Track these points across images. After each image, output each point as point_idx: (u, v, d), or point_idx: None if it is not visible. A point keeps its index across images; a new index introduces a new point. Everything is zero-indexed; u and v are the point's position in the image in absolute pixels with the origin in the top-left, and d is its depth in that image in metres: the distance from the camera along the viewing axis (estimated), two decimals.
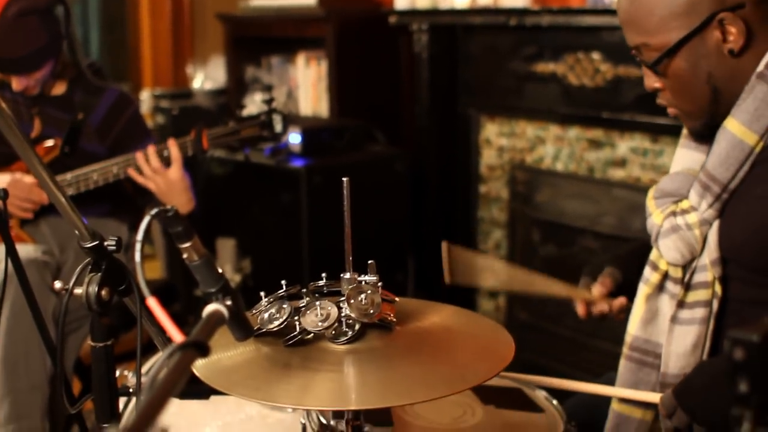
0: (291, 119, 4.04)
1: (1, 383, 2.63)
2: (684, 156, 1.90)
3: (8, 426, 2.66)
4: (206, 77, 4.94)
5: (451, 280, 1.95)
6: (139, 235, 1.08)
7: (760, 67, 1.70)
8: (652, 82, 1.80)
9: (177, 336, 0.99)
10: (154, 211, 1.11)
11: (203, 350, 0.94)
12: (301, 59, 4.40)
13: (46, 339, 2.03)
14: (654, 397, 1.80)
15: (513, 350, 1.39)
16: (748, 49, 1.70)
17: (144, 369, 2.16)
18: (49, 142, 2.88)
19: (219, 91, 4.83)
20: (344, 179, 1.38)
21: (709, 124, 1.78)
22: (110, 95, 3.02)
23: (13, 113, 2.78)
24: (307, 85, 4.38)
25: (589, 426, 1.96)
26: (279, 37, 4.52)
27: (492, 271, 2.02)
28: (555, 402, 1.89)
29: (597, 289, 1.99)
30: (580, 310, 2.02)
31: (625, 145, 3.30)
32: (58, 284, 1.35)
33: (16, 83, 2.85)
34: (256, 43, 4.64)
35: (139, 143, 3.00)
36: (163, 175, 2.84)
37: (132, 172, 2.85)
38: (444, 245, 1.93)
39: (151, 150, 2.85)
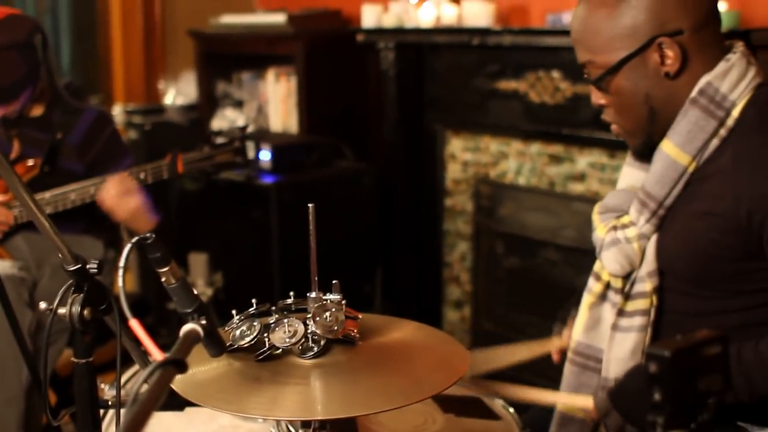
0: (261, 136, 4.13)
1: None
2: (628, 174, 2.02)
3: None
4: (178, 93, 4.99)
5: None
6: (122, 262, 1.17)
7: (694, 93, 1.81)
8: (597, 98, 1.91)
9: (157, 354, 1.08)
10: (135, 239, 1.20)
11: (182, 367, 1.03)
12: (271, 75, 4.45)
13: (26, 353, 2.11)
14: (587, 402, 1.91)
15: (468, 362, 1.48)
16: (683, 73, 1.82)
17: (121, 380, 2.24)
18: (30, 162, 2.94)
19: (190, 107, 4.87)
20: (310, 205, 1.46)
21: (647, 143, 1.89)
22: (89, 115, 3.06)
23: None
24: (277, 100, 4.44)
25: None
26: (249, 54, 4.58)
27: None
28: (511, 410, 1.99)
29: (567, 335, 2.13)
30: (555, 357, 2.17)
31: (584, 160, 3.40)
32: (43, 305, 1.43)
33: None
34: (227, 59, 4.69)
35: (117, 162, 3.06)
36: (126, 201, 2.88)
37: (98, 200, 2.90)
38: None
39: (123, 174, 2.89)
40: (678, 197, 1.84)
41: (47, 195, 2.88)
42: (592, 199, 3.38)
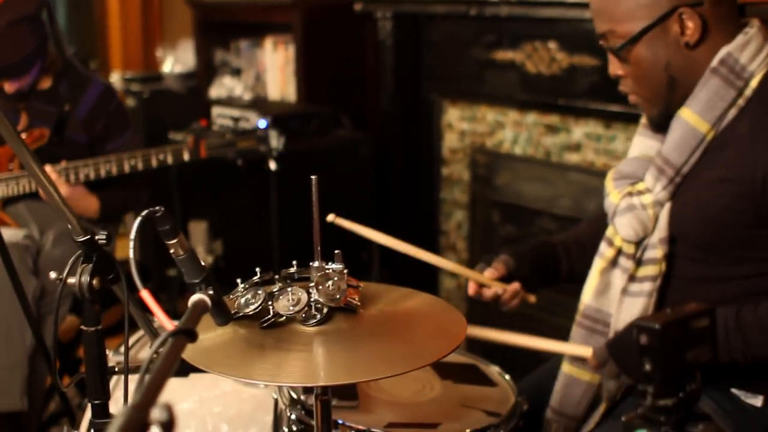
0: (260, 105, 4.16)
1: None
2: (640, 143, 2.06)
3: None
4: (176, 60, 5.00)
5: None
6: (132, 234, 1.21)
7: (714, 63, 1.86)
8: (615, 68, 1.95)
9: (168, 324, 1.13)
10: (144, 212, 1.24)
11: (192, 337, 1.08)
12: (269, 43, 4.47)
13: (31, 320, 2.16)
14: (586, 351, 1.95)
15: (465, 330, 1.52)
16: (703, 43, 1.86)
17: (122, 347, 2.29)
18: (37, 132, 2.98)
19: (188, 75, 4.89)
20: (313, 177, 1.50)
21: (665, 112, 1.93)
22: (96, 88, 3.09)
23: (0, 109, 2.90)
24: (275, 68, 4.46)
25: (538, 399, 2.13)
26: (247, 22, 4.59)
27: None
28: (507, 377, 2.04)
29: (488, 272, 2.13)
30: (471, 290, 2.15)
31: (579, 130, 3.43)
32: (53, 274, 1.46)
33: (9, 86, 2.94)
34: (225, 27, 4.71)
35: (120, 135, 3.10)
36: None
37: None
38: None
39: (48, 168, 2.87)
40: (695, 164, 1.88)
41: (61, 166, 2.91)
42: (587, 170, 3.42)
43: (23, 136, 2.94)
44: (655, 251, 1.94)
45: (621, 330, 1.91)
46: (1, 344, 2.77)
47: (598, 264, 2.06)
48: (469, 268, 2.18)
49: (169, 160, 2.99)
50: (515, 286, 2.14)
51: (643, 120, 2.06)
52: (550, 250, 2.25)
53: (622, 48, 1.89)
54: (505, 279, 2.14)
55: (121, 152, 3.02)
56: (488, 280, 2.12)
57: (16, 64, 2.89)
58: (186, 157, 3.01)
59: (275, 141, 3.12)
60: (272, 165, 3.13)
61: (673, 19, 1.85)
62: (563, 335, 2.14)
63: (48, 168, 2.87)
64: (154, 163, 2.98)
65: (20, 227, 2.96)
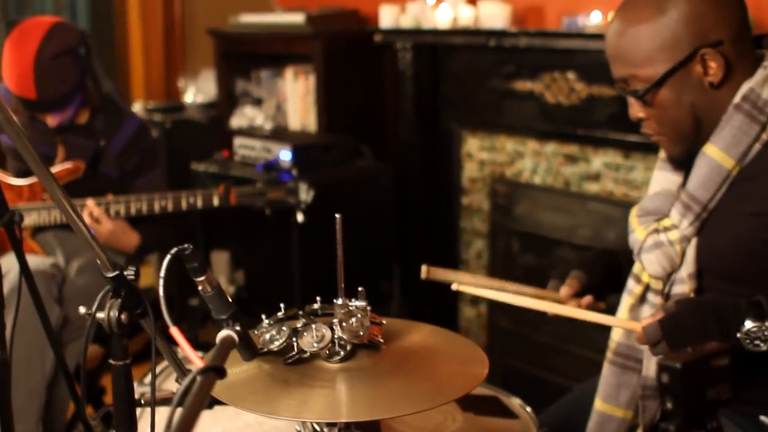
0: (281, 135, 4.19)
1: None
2: (662, 177, 2.06)
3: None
4: (197, 91, 5.05)
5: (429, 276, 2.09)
6: (162, 272, 1.24)
7: (737, 99, 1.87)
8: (636, 111, 1.95)
9: (197, 361, 1.15)
10: (174, 250, 1.26)
11: (221, 373, 1.10)
12: (289, 73, 4.50)
13: (55, 347, 2.19)
14: (635, 326, 1.91)
15: (487, 366, 1.53)
16: (726, 82, 1.87)
17: (147, 378, 2.31)
18: (70, 165, 3.03)
19: (210, 105, 4.93)
20: (337, 216, 1.52)
21: (689, 151, 1.94)
22: (131, 124, 3.15)
23: (39, 142, 2.98)
24: (295, 98, 4.49)
25: (560, 431, 2.13)
26: (268, 53, 4.63)
27: (469, 280, 2.17)
28: (529, 409, 2.04)
29: (564, 291, 2.14)
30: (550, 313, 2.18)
31: (598, 160, 3.45)
32: (82, 309, 1.48)
33: (51, 120, 3.00)
34: (246, 57, 4.74)
35: (150, 171, 3.17)
36: (97, 229, 2.94)
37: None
38: (424, 268, 2.08)
39: (91, 203, 2.95)
40: (721, 199, 1.89)
41: (90, 202, 2.96)
42: (606, 199, 3.43)
43: (59, 168, 3.00)
44: (683, 286, 1.94)
45: (674, 307, 1.86)
46: (21, 370, 2.80)
47: (626, 301, 2.06)
48: (545, 290, 2.18)
49: (199, 204, 3.04)
50: (588, 299, 2.16)
51: (662, 154, 2.07)
52: (613, 258, 2.26)
53: (646, 93, 1.89)
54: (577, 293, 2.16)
55: (148, 188, 3.07)
56: (566, 299, 2.14)
57: (62, 97, 2.94)
58: (216, 202, 3.05)
59: (304, 194, 3.14)
60: (300, 217, 3.17)
61: (695, 60, 1.85)
62: (581, 363, 2.14)
63: (91, 202, 2.94)
64: (184, 205, 3.02)
65: (47, 255, 3.00)
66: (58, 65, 2.88)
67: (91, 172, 3.05)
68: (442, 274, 2.14)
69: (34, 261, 2.91)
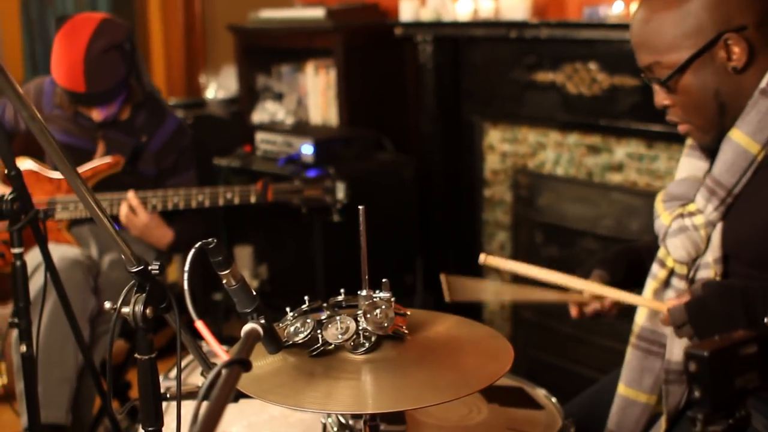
0: (303, 129, 4.20)
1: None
2: (688, 164, 2.06)
3: None
4: (219, 86, 5.06)
5: (452, 298, 2.12)
6: (187, 266, 1.24)
7: (763, 84, 1.86)
8: (661, 99, 1.96)
9: (222, 354, 1.15)
10: (198, 244, 1.27)
11: (246, 366, 1.10)
12: (310, 68, 4.51)
13: (80, 339, 2.21)
14: (660, 306, 1.93)
15: (512, 356, 1.52)
16: (750, 66, 1.87)
17: (172, 372, 2.32)
18: (111, 159, 3.06)
19: (231, 100, 4.94)
20: (360, 207, 1.52)
21: (718, 137, 1.93)
22: (171, 123, 3.19)
23: (80, 137, 3.01)
24: (316, 92, 4.50)
25: (586, 422, 2.13)
26: (289, 48, 4.64)
27: (490, 290, 2.19)
28: (554, 400, 2.04)
29: (587, 295, 2.15)
30: (573, 311, 2.19)
31: (621, 150, 3.44)
32: (107, 304, 1.49)
33: (97, 115, 3.03)
34: (267, 52, 4.75)
35: (185, 172, 3.20)
36: (133, 221, 2.99)
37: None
38: (443, 277, 2.08)
39: (131, 194, 2.99)
40: (746, 184, 1.88)
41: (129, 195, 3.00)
42: (630, 190, 3.42)
43: (98, 162, 3.04)
44: (708, 271, 1.94)
45: (700, 291, 1.87)
46: (56, 358, 2.84)
47: (650, 285, 2.06)
48: (567, 292, 2.19)
49: (236, 200, 3.05)
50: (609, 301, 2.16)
51: (689, 141, 2.06)
52: (636, 255, 2.26)
53: (669, 78, 1.89)
54: None
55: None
56: (588, 299, 2.15)
57: (109, 91, 2.97)
58: (253, 199, 3.06)
59: (341, 193, 3.14)
60: (336, 218, 3.17)
61: (719, 45, 1.85)
62: (606, 354, 2.14)
63: (131, 193, 2.98)
64: (221, 201, 3.04)
65: (81, 248, 3.03)
66: (107, 59, 2.91)
67: (130, 167, 3.08)
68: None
69: (72, 251, 2.97)
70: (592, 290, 2.09)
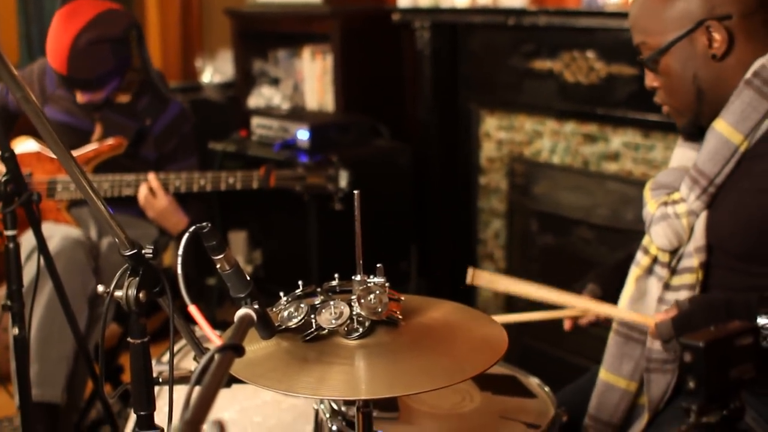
0: (298, 115, 4.18)
1: (33, 349, 2.75)
2: (680, 154, 2.09)
3: (32, 390, 2.82)
4: (215, 70, 5.04)
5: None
6: (180, 250, 1.23)
7: (748, 75, 1.88)
8: (650, 80, 2.01)
9: (215, 339, 1.15)
10: (192, 228, 1.26)
11: (239, 351, 1.10)
12: (307, 53, 4.49)
13: (72, 321, 2.21)
14: (649, 321, 1.95)
15: (506, 343, 1.52)
16: (730, 55, 1.90)
17: (165, 356, 2.32)
18: (114, 140, 3.05)
19: (227, 84, 4.93)
20: (355, 192, 1.52)
21: (694, 122, 1.97)
22: (173, 109, 3.19)
23: (80, 117, 3.01)
24: (312, 78, 4.48)
25: (579, 411, 2.13)
26: (285, 32, 4.62)
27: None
28: (547, 389, 2.04)
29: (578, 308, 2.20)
30: (566, 325, 2.27)
31: (618, 139, 3.43)
32: (100, 288, 1.49)
33: (80, 97, 3.02)
34: (263, 37, 4.74)
35: (185, 158, 3.20)
36: (152, 202, 3.00)
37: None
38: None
39: (152, 176, 3.00)
40: (729, 175, 1.90)
41: (130, 177, 3.00)
42: (625, 179, 3.41)
43: (101, 143, 3.03)
44: (691, 260, 1.96)
45: (687, 305, 1.89)
46: (55, 335, 2.83)
47: (633, 272, 2.08)
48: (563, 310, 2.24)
49: (238, 185, 3.05)
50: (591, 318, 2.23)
51: None
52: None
53: (651, 59, 1.95)
54: None
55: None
56: (584, 314, 2.22)
57: (92, 80, 2.97)
58: (255, 185, 3.05)
59: (344, 181, 3.14)
60: (337, 206, 3.16)
61: (700, 31, 1.90)
62: (601, 343, 2.15)
63: (152, 175, 3.00)
64: (222, 186, 3.03)
65: (80, 228, 3.03)
66: (93, 51, 2.91)
67: (132, 151, 3.07)
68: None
69: (75, 232, 2.97)
70: (579, 306, 2.13)
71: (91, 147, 3.04)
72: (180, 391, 1.42)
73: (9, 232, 2.07)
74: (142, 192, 2.98)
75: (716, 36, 1.89)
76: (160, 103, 3.17)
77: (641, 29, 1.97)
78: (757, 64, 1.88)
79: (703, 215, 1.93)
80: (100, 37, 2.90)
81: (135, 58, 3.07)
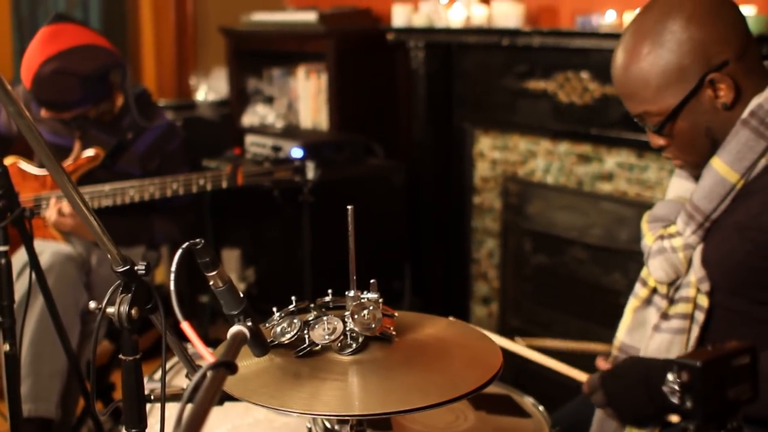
0: (292, 133, 4.18)
1: (26, 364, 2.74)
2: (677, 185, 2.07)
3: (25, 405, 2.79)
4: (209, 89, 5.04)
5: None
6: (173, 267, 1.22)
7: (745, 115, 1.85)
8: (657, 140, 1.95)
9: (208, 356, 1.13)
10: (185, 244, 1.25)
11: (232, 369, 1.09)
12: (301, 72, 4.51)
13: (63, 337, 2.19)
14: (581, 376, 1.97)
15: (501, 360, 1.52)
16: (739, 100, 1.86)
17: (157, 374, 2.30)
18: (91, 152, 3.03)
19: (222, 103, 4.93)
20: (349, 207, 1.51)
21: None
22: (158, 127, 3.16)
23: (63, 135, 2.99)
24: (307, 96, 4.49)
25: (573, 431, 2.12)
26: (280, 51, 4.63)
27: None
28: (541, 408, 2.03)
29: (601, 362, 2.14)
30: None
31: (612, 160, 3.43)
32: (92, 304, 1.47)
33: (44, 113, 3.00)
34: (258, 55, 4.75)
35: (173, 173, 3.17)
36: (63, 222, 2.96)
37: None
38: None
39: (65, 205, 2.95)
40: (724, 211, 1.89)
41: (107, 188, 2.97)
42: (619, 199, 3.41)
43: (78, 157, 3.01)
44: (688, 290, 1.95)
45: (622, 363, 1.91)
46: (48, 351, 2.82)
47: (631, 303, 2.09)
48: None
49: (208, 186, 3.03)
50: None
51: None
52: None
53: (662, 127, 1.89)
54: None
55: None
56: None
57: (56, 103, 2.95)
58: (224, 184, 3.04)
59: (311, 172, 3.14)
60: (308, 197, 3.17)
61: (704, 86, 1.84)
62: (591, 362, 2.15)
63: (65, 203, 2.94)
64: (194, 188, 3.02)
65: (67, 243, 3.01)
66: (57, 80, 2.89)
67: (110, 161, 3.05)
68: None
69: (65, 247, 2.96)
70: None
71: (69, 161, 3.02)
72: (172, 409, 1.41)
73: (0, 248, 2.06)
74: (52, 216, 2.93)
75: (721, 86, 1.84)
76: (145, 122, 3.14)
77: (639, 100, 1.89)
78: (753, 104, 1.85)
79: (699, 248, 1.93)
80: (67, 69, 2.87)
81: (115, 94, 3.06)
